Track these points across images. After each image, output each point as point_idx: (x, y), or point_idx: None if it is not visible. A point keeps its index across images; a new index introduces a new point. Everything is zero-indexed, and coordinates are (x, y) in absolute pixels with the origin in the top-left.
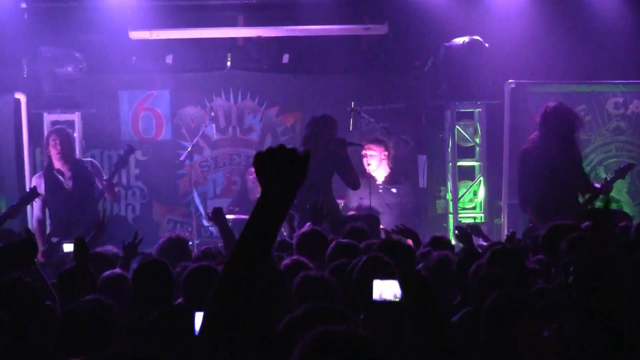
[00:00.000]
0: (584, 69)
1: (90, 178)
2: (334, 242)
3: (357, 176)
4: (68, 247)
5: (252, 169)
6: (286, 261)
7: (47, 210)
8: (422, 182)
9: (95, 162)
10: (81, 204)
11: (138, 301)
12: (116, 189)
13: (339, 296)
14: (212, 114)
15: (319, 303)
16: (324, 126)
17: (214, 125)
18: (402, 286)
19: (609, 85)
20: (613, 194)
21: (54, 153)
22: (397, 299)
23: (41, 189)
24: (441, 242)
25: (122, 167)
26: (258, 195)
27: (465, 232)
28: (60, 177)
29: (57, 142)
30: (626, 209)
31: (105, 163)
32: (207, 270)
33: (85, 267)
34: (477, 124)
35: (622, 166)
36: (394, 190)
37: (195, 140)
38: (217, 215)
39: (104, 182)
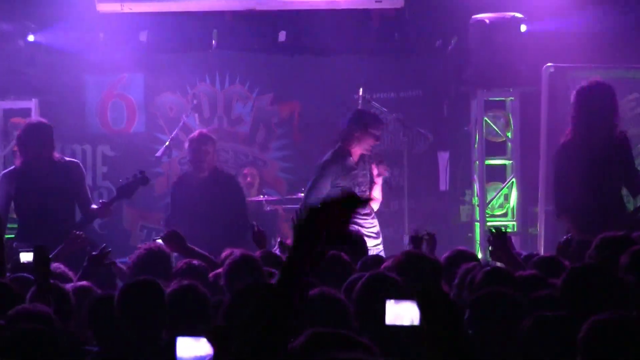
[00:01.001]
0: (636, 51)
1: (72, 182)
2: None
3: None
4: (26, 257)
5: (246, 170)
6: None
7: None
8: (444, 184)
9: (81, 164)
10: (55, 210)
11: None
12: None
13: (349, 317)
14: (195, 101)
15: (325, 328)
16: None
17: (196, 115)
18: (423, 310)
19: None
20: None
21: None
22: (415, 324)
23: (12, 188)
24: (465, 257)
25: (128, 196)
26: (251, 198)
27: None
28: (35, 176)
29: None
30: None
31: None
32: (192, 291)
33: (45, 282)
34: (510, 116)
35: None
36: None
37: (174, 133)
38: (172, 240)
39: (100, 204)
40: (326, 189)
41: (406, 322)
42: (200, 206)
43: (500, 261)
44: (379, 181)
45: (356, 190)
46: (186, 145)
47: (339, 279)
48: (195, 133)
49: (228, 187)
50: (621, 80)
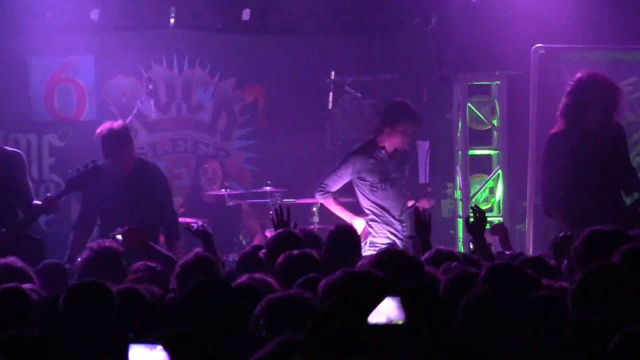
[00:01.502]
0: (634, 32)
1: (10, 174)
2: (284, 255)
3: None
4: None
5: (208, 164)
6: (241, 279)
7: None
8: (423, 177)
9: (23, 155)
10: None
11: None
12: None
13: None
14: (150, 86)
15: (293, 334)
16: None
17: (152, 101)
18: (405, 306)
19: None
20: None
21: None
22: (394, 322)
23: None
24: (448, 257)
25: (77, 188)
26: (212, 192)
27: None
28: None
29: None
30: None
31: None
32: (136, 295)
33: None
34: (496, 102)
35: None
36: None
37: (128, 120)
38: (130, 237)
39: (46, 198)
40: (345, 179)
41: (384, 320)
42: (121, 204)
43: (477, 241)
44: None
45: (387, 186)
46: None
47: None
48: (105, 128)
49: (151, 181)
50: (618, 62)
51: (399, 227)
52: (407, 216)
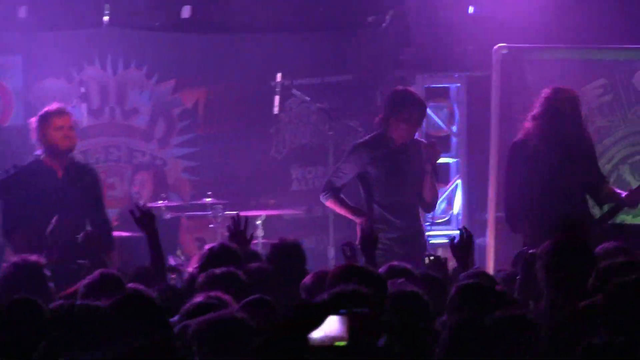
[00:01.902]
0: (603, 30)
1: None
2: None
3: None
4: None
5: (138, 175)
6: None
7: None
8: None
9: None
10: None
11: None
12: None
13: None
14: (82, 89)
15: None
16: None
17: (84, 105)
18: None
19: (636, 51)
20: None
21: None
22: (335, 343)
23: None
24: (402, 273)
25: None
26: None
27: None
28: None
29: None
30: None
31: None
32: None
33: None
34: (454, 105)
35: None
36: None
37: None
38: (145, 221)
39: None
40: (350, 175)
41: (325, 341)
42: (48, 209)
43: (461, 265)
44: (428, 169)
45: (398, 181)
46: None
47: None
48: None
49: (83, 184)
50: (587, 62)
51: (401, 226)
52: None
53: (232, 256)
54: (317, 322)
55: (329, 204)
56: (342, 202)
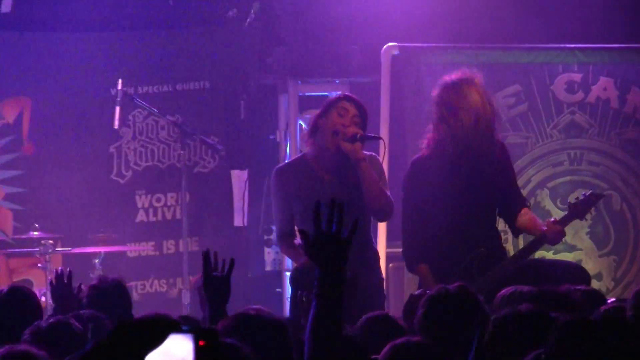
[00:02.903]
0: (517, 28)
1: None
2: None
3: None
4: None
5: None
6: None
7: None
8: (240, 218)
9: None
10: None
11: None
12: None
13: None
14: None
15: None
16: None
17: None
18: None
19: (557, 53)
20: (567, 237)
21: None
22: None
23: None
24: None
25: None
26: None
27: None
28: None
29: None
30: (587, 263)
31: None
32: None
33: None
34: None
35: (582, 197)
36: None
37: None
38: None
39: None
40: (285, 216)
41: None
42: None
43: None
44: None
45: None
46: None
47: None
48: None
49: None
50: (497, 66)
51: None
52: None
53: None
54: (141, 342)
55: (284, 252)
56: (293, 247)
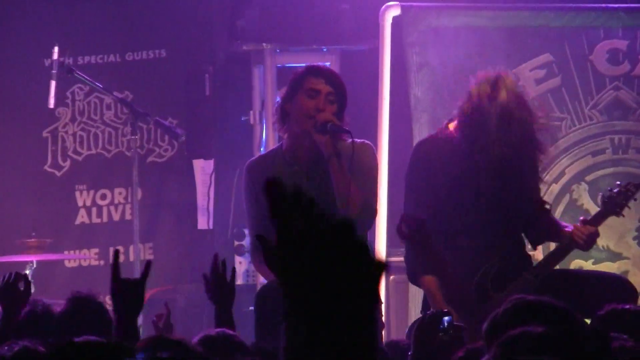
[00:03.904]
0: None
1: None
2: None
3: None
4: None
5: None
6: None
7: None
8: (205, 219)
9: None
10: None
11: None
12: None
13: None
14: None
15: None
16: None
17: None
18: None
19: (598, 14)
20: (601, 241)
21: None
22: None
23: None
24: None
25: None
26: None
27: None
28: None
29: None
30: (635, 275)
31: None
32: None
33: None
34: None
35: (617, 189)
36: None
37: None
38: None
39: None
40: (258, 223)
41: None
42: None
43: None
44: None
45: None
46: None
47: None
48: None
49: None
50: (523, 31)
51: None
52: None
53: None
54: None
55: (259, 270)
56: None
